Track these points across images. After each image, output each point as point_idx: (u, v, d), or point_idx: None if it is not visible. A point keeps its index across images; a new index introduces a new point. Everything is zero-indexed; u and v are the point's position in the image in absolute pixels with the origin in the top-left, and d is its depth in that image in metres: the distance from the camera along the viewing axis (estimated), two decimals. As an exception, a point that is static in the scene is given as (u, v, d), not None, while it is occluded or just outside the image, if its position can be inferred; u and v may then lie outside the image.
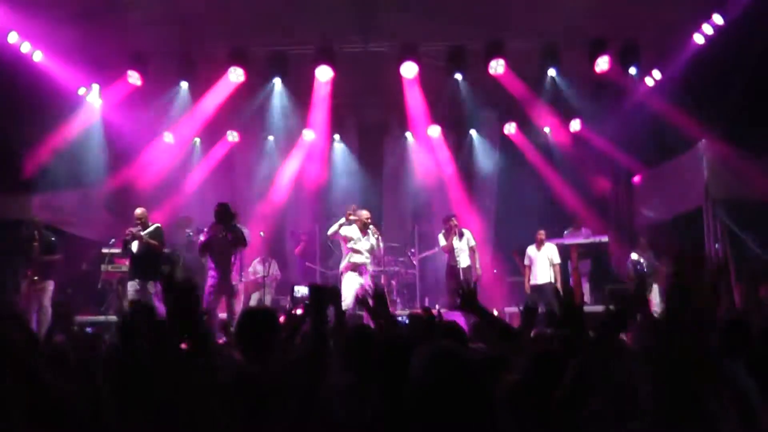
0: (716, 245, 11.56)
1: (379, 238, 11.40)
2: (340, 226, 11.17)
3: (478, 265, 12.31)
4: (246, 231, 10.94)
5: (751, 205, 11.35)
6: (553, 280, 12.43)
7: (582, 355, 2.71)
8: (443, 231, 12.30)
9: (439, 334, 4.44)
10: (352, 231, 11.11)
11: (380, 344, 3.38)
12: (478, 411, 2.31)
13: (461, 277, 11.57)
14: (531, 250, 12.88)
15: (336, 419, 3.02)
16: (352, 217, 11.18)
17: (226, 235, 10.24)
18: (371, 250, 11.24)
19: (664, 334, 2.69)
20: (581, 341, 2.88)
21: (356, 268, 10.96)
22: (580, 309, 3.15)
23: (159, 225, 10.95)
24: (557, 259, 12.62)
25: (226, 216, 10.26)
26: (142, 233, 10.58)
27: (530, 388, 2.85)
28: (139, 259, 10.63)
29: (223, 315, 10.38)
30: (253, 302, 13.46)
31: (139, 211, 10.86)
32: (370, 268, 11.21)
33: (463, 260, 11.92)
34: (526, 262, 12.94)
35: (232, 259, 10.39)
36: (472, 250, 12.15)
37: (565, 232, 14.18)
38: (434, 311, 7.15)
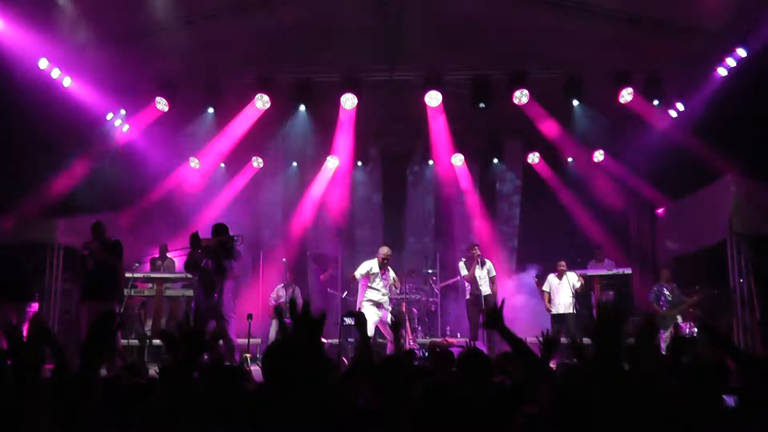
0: (740, 280, 11.46)
1: (396, 278, 11.39)
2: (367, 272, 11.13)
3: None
4: (238, 250, 9.72)
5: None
6: (574, 310, 12.37)
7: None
8: (464, 260, 12.26)
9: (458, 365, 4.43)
10: (372, 267, 11.09)
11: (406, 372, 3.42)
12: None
13: (483, 306, 11.55)
14: (552, 278, 12.86)
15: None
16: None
17: (207, 263, 9.36)
18: (390, 288, 11.25)
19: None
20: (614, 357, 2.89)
21: (374, 304, 10.95)
22: (617, 322, 3.14)
23: (119, 240, 9.94)
24: (578, 283, 12.56)
25: (192, 242, 9.37)
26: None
27: (555, 421, 2.85)
28: (93, 277, 9.53)
29: None
30: (274, 328, 13.53)
31: (94, 222, 9.82)
32: (388, 306, 11.18)
33: (485, 289, 11.87)
34: (546, 288, 12.90)
35: (218, 287, 9.38)
36: (492, 280, 12.04)
37: (589, 263, 14.13)
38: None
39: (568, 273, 12.70)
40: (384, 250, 11.15)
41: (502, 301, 4.00)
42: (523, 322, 13.32)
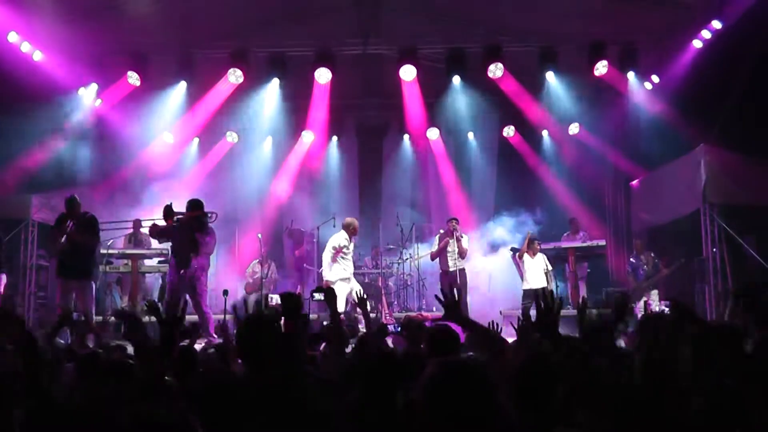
0: (713, 249, 11.59)
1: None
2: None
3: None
4: (211, 227, 9.78)
5: (748, 209, 11.37)
6: (547, 285, 12.36)
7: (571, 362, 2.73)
8: (441, 231, 12.25)
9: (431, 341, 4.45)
10: (342, 240, 11.11)
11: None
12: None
13: (458, 280, 11.54)
14: (526, 257, 12.66)
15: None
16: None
17: (183, 235, 9.41)
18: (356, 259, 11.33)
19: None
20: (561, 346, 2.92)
21: (344, 280, 10.98)
22: (556, 317, 3.21)
23: (93, 216, 9.51)
24: (549, 267, 12.51)
25: (166, 214, 9.46)
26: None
27: (518, 399, 2.86)
28: (68, 255, 9.18)
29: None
30: (250, 303, 13.49)
31: (69, 198, 9.38)
32: (353, 278, 11.27)
33: (459, 263, 11.86)
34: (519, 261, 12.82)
35: (192, 259, 9.38)
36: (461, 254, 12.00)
37: (563, 236, 14.17)
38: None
39: (539, 253, 12.58)
40: (354, 224, 11.21)
41: (459, 293, 4.03)
42: (499, 295, 13.40)
